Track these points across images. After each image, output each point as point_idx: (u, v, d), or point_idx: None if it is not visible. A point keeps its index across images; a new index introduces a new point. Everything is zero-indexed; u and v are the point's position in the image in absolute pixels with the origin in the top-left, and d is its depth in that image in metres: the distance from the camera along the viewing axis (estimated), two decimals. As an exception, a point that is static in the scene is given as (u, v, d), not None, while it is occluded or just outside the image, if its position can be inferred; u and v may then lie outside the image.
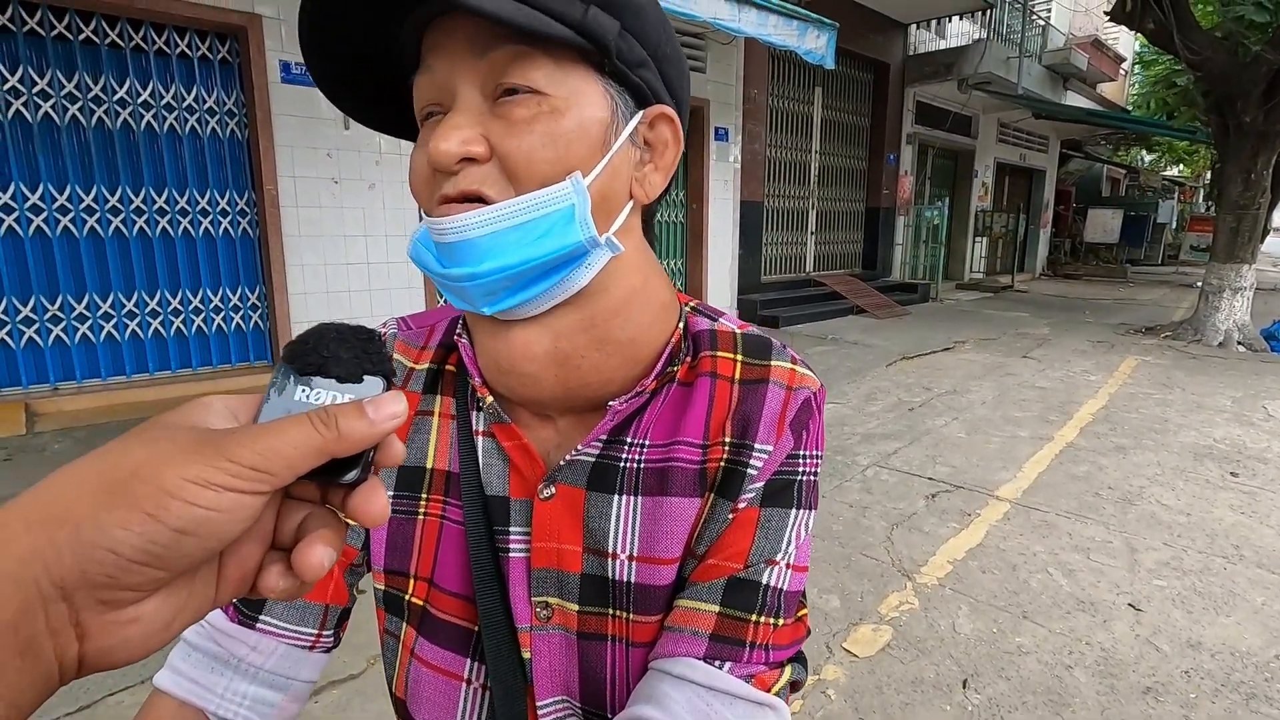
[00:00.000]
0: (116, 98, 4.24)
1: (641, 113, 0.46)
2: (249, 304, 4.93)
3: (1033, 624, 2.27)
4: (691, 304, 0.55)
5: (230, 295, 4.84)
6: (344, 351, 0.29)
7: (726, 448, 0.47)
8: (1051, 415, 4.64)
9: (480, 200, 0.42)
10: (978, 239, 13.51)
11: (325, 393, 0.28)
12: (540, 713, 0.48)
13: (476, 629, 0.48)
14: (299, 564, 0.27)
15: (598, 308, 0.46)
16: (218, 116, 4.64)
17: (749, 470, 0.47)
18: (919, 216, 11.04)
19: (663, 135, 0.48)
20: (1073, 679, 2.00)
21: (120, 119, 4.27)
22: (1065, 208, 19.10)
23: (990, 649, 2.13)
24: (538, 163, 0.42)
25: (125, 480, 0.23)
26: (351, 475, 0.28)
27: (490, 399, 0.48)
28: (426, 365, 0.52)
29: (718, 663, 0.43)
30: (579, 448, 0.48)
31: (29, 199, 4.06)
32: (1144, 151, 21.50)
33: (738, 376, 0.49)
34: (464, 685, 0.49)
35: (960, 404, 4.91)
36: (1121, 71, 15.85)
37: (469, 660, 0.49)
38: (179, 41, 4.43)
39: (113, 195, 4.31)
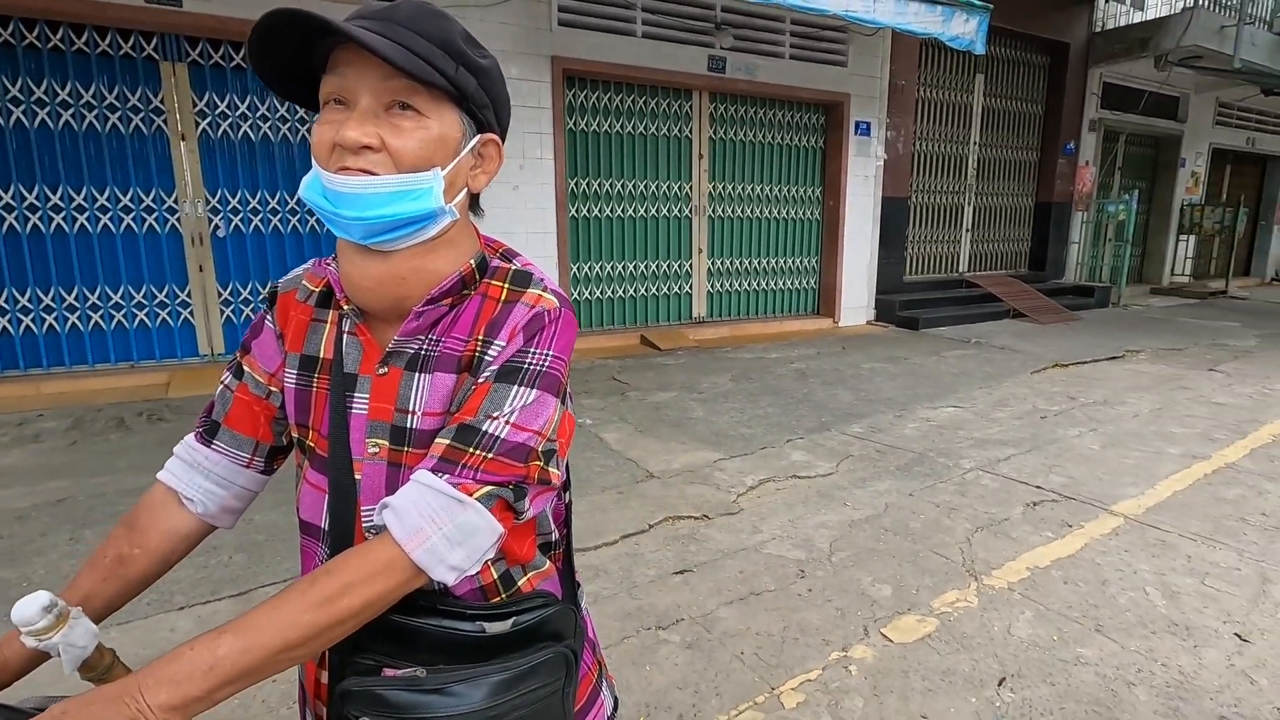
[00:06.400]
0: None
1: (479, 136, 0.70)
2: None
3: (1104, 638, 2.11)
4: (501, 251, 0.75)
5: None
6: None
7: (478, 343, 0.68)
8: (1218, 434, 4.06)
9: (369, 174, 0.64)
10: (1183, 238, 11.76)
11: None
12: (363, 514, 0.70)
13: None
14: None
15: (424, 250, 0.69)
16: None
17: (486, 358, 0.67)
18: (1101, 212, 9.87)
19: (490, 152, 0.72)
20: (1130, 695, 1.86)
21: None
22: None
23: (1043, 655, 2.03)
24: (413, 157, 0.65)
25: None
26: None
27: (348, 307, 0.71)
28: (319, 288, 0.77)
29: (438, 474, 0.62)
30: (396, 339, 0.69)
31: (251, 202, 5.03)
32: None
33: (502, 299, 0.69)
34: (325, 495, 0.72)
35: (1106, 416, 4.44)
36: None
37: (329, 479, 0.72)
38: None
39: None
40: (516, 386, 0.65)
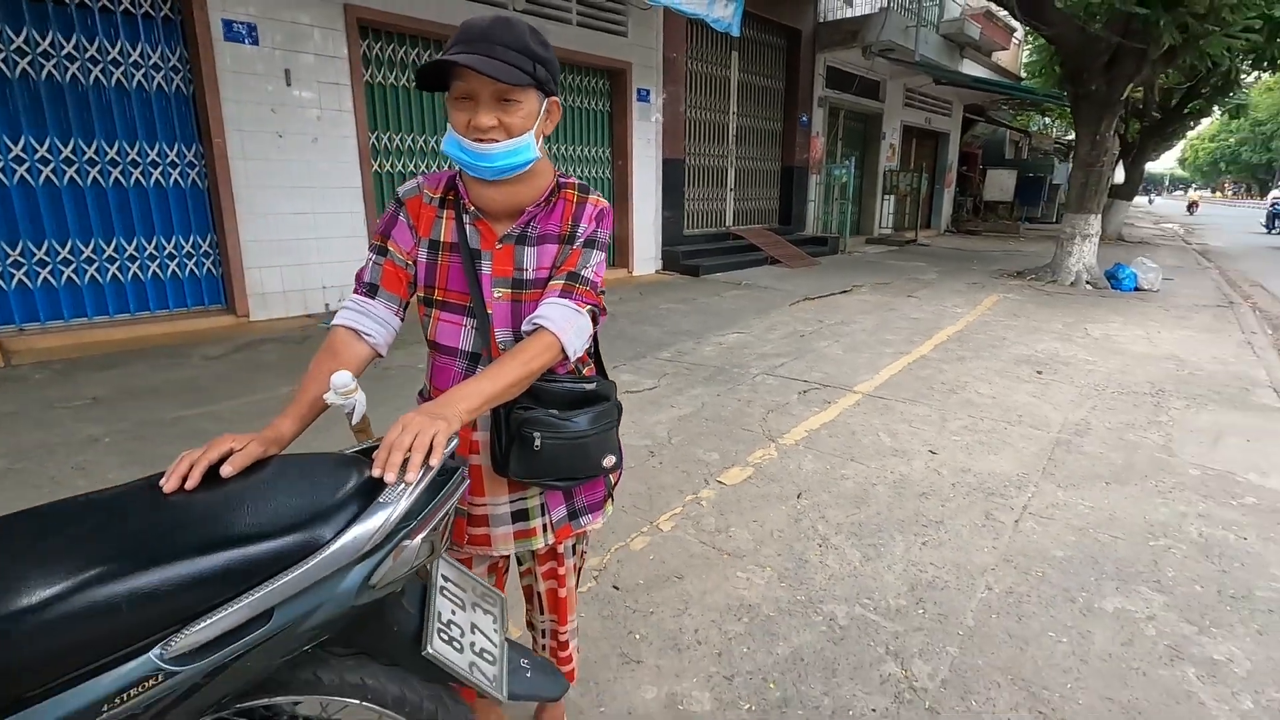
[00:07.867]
0: (65, 52, 4.49)
1: (547, 100, 1.12)
2: (201, 251, 5.28)
3: (856, 464, 3.09)
4: (560, 175, 1.21)
5: (183, 243, 5.18)
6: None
7: (569, 226, 1.15)
8: (916, 338, 5.56)
9: (494, 141, 1.06)
10: (886, 197, 14.59)
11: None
12: (497, 335, 1.14)
13: (466, 304, 1.14)
14: None
15: (525, 175, 1.12)
16: (162, 72, 4.92)
17: (576, 233, 1.14)
18: (829, 175, 11.93)
19: (552, 109, 1.14)
20: (874, 490, 2.82)
21: (69, 73, 4.53)
22: (972, 169, 20.56)
23: (822, 478, 2.93)
24: (517, 129, 1.06)
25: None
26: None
27: (473, 209, 1.14)
28: (439, 195, 1.16)
29: (564, 298, 1.09)
30: (513, 228, 1.14)
31: (-13, 149, 4.32)
32: (1042, 116, 23.16)
33: (575, 200, 1.17)
34: (463, 328, 1.15)
35: (844, 331, 5.78)
36: (1015, 40, 17.10)
37: (465, 316, 1.14)
38: (123, -1, 4.68)
39: (65, 147, 4.58)
40: (594, 250, 1.14)
